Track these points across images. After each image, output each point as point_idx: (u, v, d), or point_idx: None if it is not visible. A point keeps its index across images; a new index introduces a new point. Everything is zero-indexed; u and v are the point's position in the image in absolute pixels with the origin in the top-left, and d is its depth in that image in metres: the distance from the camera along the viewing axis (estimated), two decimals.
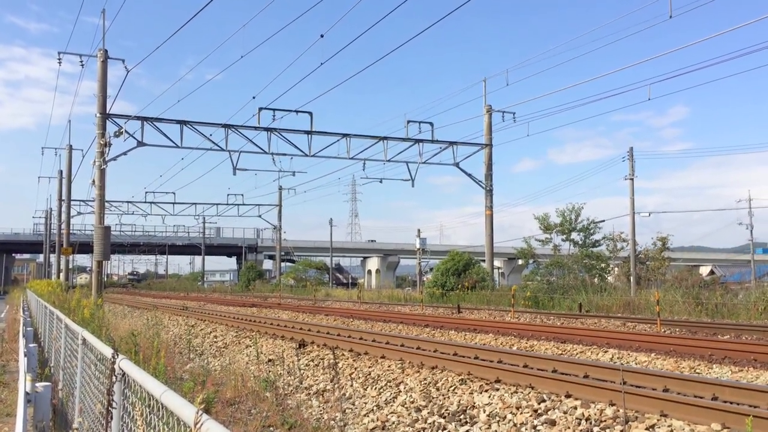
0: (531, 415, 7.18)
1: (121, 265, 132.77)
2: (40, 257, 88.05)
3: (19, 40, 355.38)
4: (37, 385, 6.10)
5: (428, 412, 8.04)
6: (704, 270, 75.35)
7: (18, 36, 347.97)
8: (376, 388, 9.69)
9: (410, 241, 66.21)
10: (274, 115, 30.17)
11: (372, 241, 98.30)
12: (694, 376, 8.97)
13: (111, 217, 59.60)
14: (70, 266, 53.36)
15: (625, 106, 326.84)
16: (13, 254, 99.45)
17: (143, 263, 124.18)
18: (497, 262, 69.63)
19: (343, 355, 12.13)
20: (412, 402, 8.59)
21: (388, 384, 9.73)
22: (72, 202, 47.36)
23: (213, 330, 19.04)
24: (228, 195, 60.07)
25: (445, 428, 7.43)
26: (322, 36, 19.98)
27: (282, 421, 8.00)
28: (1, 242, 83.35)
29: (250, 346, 14.55)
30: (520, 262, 49.69)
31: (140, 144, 28.21)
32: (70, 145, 44.91)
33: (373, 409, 8.78)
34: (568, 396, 7.60)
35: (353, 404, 9.27)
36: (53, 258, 56.53)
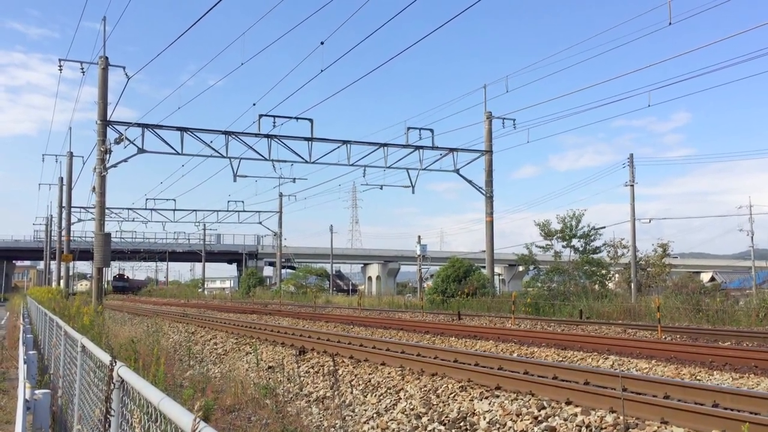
0: (531, 423, 7.16)
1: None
2: (41, 264, 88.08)
3: (20, 46, 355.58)
4: (37, 392, 6.10)
5: (428, 420, 8.01)
6: (705, 276, 75.34)
7: (18, 41, 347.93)
8: (376, 395, 9.66)
9: (411, 248, 66.20)
10: (274, 122, 30.18)
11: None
12: (694, 383, 8.94)
13: (111, 224, 59.63)
14: (71, 273, 53.29)
15: (626, 113, 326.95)
16: (14, 261, 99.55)
17: (143, 270, 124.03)
18: (498, 269, 69.57)
19: (343, 362, 12.11)
20: (413, 409, 8.57)
21: (389, 391, 9.71)
22: (72, 209, 47.46)
23: (213, 337, 19.01)
24: (228, 202, 60.01)
25: None
26: (322, 43, 20.04)
27: (282, 429, 7.98)
28: (2, 249, 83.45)
29: (250, 353, 14.53)
30: (520, 268, 49.67)
31: (141, 151, 28.22)
32: (71, 152, 45.06)
33: (373, 416, 8.76)
34: (568, 403, 7.59)
35: (353, 411, 9.25)
36: (54, 265, 56.52)
